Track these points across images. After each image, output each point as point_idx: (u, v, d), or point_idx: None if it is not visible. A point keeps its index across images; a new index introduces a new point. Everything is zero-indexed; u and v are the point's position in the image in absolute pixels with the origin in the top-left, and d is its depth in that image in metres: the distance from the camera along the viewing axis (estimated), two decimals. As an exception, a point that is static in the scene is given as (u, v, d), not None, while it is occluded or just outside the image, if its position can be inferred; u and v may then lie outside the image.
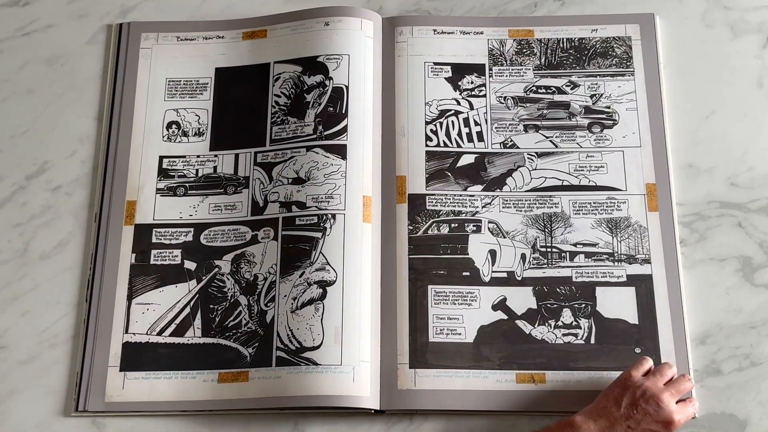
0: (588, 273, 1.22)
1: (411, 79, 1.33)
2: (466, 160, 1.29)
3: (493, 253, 1.24)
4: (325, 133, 1.29)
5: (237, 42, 1.37)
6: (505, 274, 1.23)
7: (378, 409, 1.16)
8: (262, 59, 1.36)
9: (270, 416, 1.17)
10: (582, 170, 1.28)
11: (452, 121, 1.31)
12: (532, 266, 1.23)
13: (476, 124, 1.31)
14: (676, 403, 1.07)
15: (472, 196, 1.27)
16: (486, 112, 1.32)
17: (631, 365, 1.11)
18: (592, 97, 1.32)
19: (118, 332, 1.21)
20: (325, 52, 1.33)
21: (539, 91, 1.33)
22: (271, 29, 1.37)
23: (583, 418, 1.06)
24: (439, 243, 1.25)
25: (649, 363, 1.12)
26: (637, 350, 1.17)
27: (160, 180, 1.30)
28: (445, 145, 1.30)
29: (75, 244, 1.27)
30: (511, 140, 1.30)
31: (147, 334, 1.22)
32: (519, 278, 1.23)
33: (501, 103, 1.32)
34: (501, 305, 1.21)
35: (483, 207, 1.27)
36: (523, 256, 1.23)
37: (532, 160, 1.29)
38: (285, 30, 1.36)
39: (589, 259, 1.23)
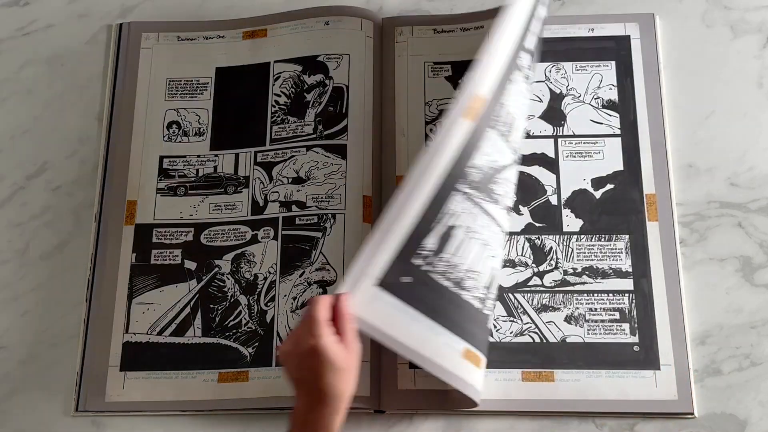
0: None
1: (411, 78, 1.33)
2: (466, 159, 1.29)
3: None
4: (325, 132, 1.29)
5: (237, 42, 1.37)
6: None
7: (378, 409, 1.16)
8: (262, 59, 1.36)
9: (270, 416, 1.17)
10: (582, 170, 1.28)
11: (452, 121, 1.31)
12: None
13: (476, 123, 1.31)
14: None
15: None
16: (486, 112, 1.32)
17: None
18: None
19: (119, 332, 1.21)
20: (325, 51, 1.33)
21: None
22: (271, 29, 1.37)
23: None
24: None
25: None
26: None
27: (160, 180, 1.30)
28: (446, 145, 1.30)
29: (75, 244, 1.27)
30: (512, 140, 1.30)
31: (147, 333, 1.21)
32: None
33: (501, 103, 1.32)
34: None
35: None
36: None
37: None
38: (285, 29, 1.36)
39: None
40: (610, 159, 1.27)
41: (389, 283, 1.04)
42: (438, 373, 1.05)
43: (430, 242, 1.06)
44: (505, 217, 1.15)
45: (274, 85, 1.33)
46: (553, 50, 1.33)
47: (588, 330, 1.19)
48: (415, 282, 1.05)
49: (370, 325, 1.03)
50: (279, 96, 1.33)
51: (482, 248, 1.10)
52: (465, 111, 1.06)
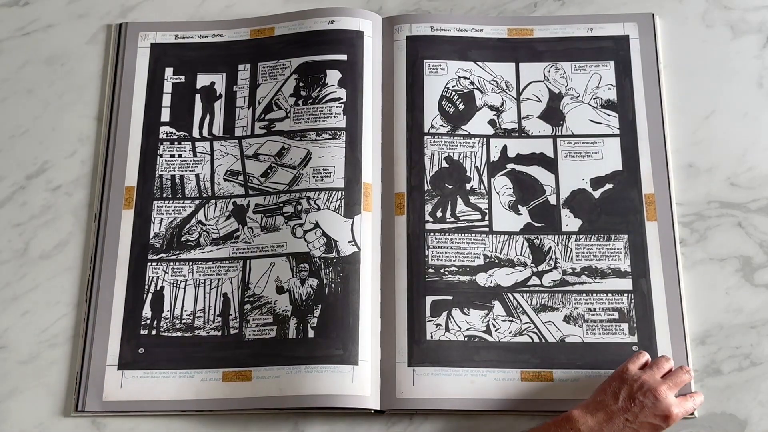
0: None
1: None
2: (465, 159, 1.30)
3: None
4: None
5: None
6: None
7: (378, 409, 1.16)
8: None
9: (270, 416, 1.17)
10: (581, 170, 1.28)
11: (452, 121, 1.32)
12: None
13: (476, 123, 1.32)
14: (676, 396, 1.08)
15: (472, 195, 1.27)
16: (485, 112, 1.32)
17: (628, 359, 1.11)
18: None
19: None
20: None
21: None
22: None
23: (581, 412, 1.06)
24: (439, 243, 1.25)
25: (645, 357, 1.12)
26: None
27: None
28: (445, 145, 1.30)
29: (75, 244, 1.27)
30: (511, 140, 1.31)
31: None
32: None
33: (500, 102, 1.33)
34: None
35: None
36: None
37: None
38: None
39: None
40: (609, 159, 1.27)
41: (127, 362, 1.19)
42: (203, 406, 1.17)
43: (145, 311, 1.21)
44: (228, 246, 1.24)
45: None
46: (552, 50, 1.33)
47: (587, 330, 1.19)
48: (147, 349, 1.20)
49: (162, 402, 1.17)
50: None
51: (198, 287, 1.22)
52: None
